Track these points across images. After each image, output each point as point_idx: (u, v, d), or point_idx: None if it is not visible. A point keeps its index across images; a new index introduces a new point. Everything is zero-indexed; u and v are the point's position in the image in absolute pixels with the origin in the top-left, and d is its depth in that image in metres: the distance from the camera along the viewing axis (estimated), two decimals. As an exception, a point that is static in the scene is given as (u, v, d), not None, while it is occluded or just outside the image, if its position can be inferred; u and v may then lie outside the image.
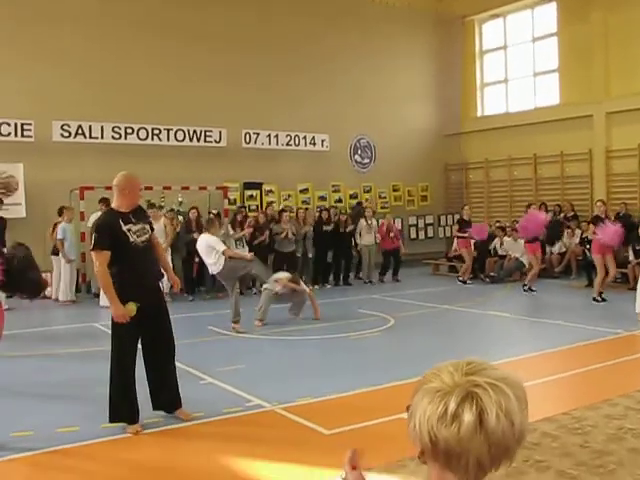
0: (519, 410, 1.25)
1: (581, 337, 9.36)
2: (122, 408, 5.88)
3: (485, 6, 20.55)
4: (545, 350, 8.71)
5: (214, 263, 10.54)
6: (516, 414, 1.24)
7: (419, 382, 1.33)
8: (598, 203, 13.45)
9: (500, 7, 20.36)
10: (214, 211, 15.24)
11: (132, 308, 5.80)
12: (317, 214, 16.55)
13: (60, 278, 13.88)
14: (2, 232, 12.35)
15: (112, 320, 5.94)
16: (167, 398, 6.19)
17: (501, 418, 1.22)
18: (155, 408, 6.17)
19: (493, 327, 11.09)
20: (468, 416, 1.22)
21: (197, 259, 14.79)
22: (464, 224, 16.16)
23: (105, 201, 14.10)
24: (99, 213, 13.91)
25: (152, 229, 6.31)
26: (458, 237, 16.39)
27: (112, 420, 5.87)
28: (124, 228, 5.87)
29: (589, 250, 13.55)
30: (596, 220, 12.87)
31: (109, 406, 5.89)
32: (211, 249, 10.51)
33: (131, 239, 5.88)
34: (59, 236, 13.65)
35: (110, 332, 6.03)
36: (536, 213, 14.53)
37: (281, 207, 16.80)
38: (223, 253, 10.37)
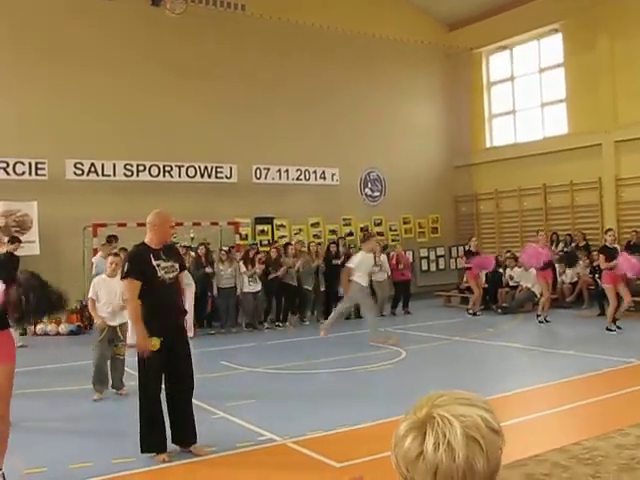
0: (465, 447, 1.27)
1: (593, 367, 9.33)
2: (150, 439, 6.04)
3: (491, 38, 20.75)
4: (556, 380, 8.69)
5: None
6: (460, 451, 1.26)
7: None
8: (609, 232, 13.33)
9: (506, 39, 20.56)
10: (225, 248, 15.36)
11: (155, 343, 5.94)
12: (326, 248, 16.64)
13: None
14: (15, 270, 12.41)
15: (138, 355, 6.11)
16: (183, 433, 6.26)
17: (440, 449, 1.26)
18: (174, 441, 6.25)
19: (505, 358, 11.06)
20: (408, 442, 1.30)
21: (209, 294, 14.93)
22: (471, 255, 16.21)
23: (113, 238, 14.25)
24: (99, 258, 14.08)
25: (183, 268, 6.52)
26: (465, 269, 16.43)
27: (143, 451, 6.03)
28: (154, 263, 6.09)
29: (599, 279, 13.51)
30: (604, 250, 12.78)
31: (139, 437, 6.04)
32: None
33: (159, 274, 6.09)
34: (94, 271, 13.69)
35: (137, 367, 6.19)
36: (533, 248, 14.45)
37: (285, 241, 16.88)
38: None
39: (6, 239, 12.28)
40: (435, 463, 1.27)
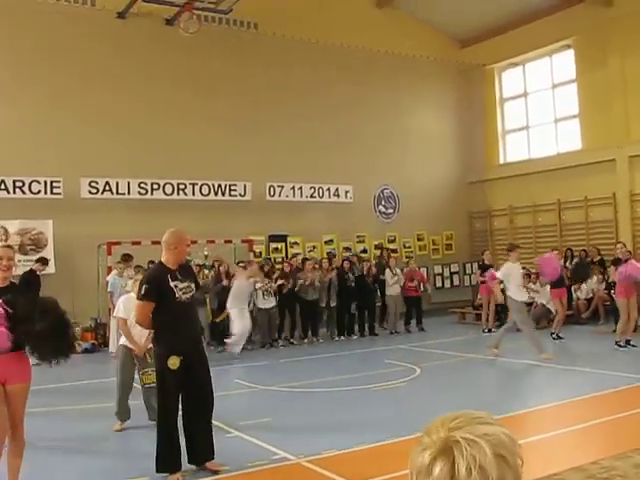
0: (497, 467, 1.25)
1: (609, 384, 9.24)
2: (167, 458, 6.02)
3: (504, 55, 20.79)
4: (572, 398, 8.62)
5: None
6: (492, 470, 1.24)
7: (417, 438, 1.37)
8: (618, 245, 13.37)
9: (519, 55, 20.59)
10: (242, 264, 15.37)
11: (175, 362, 5.97)
12: (340, 264, 16.62)
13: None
14: (36, 288, 12.66)
15: (157, 373, 6.18)
16: (201, 452, 6.26)
17: (473, 473, 1.23)
18: (190, 461, 6.24)
19: (520, 375, 11.00)
20: (438, 470, 1.25)
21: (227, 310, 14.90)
22: (486, 269, 16.15)
23: (126, 257, 14.33)
24: (113, 276, 14.12)
25: (197, 287, 6.56)
26: (481, 282, 16.37)
27: (158, 470, 6.00)
28: (171, 284, 6.11)
29: (614, 294, 13.44)
30: (617, 262, 12.80)
31: (156, 456, 6.02)
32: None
33: (177, 295, 6.12)
34: (109, 289, 13.81)
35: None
36: (549, 258, 14.25)
37: (303, 257, 16.91)
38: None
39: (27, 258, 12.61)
40: None
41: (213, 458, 6.25)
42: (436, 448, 1.27)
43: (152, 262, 14.03)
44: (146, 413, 7.90)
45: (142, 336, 7.81)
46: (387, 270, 16.65)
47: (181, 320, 6.13)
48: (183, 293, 6.16)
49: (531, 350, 12.75)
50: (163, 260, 6.31)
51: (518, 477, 1.30)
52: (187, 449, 6.22)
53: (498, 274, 12.36)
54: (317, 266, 16.00)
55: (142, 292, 6.14)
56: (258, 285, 14.66)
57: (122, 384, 7.89)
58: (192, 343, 6.25)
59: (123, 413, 7.88)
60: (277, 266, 16.46)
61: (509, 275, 12.12)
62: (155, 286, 6.12)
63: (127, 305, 7.87)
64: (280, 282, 15.01)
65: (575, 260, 17.23)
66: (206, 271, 15.16)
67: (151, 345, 7.85)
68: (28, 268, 13.69)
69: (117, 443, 7.39)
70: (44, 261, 13.66)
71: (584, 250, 17.80)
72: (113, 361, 13.35)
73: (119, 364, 8.01)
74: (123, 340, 8.02)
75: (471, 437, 1.27)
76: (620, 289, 12.48)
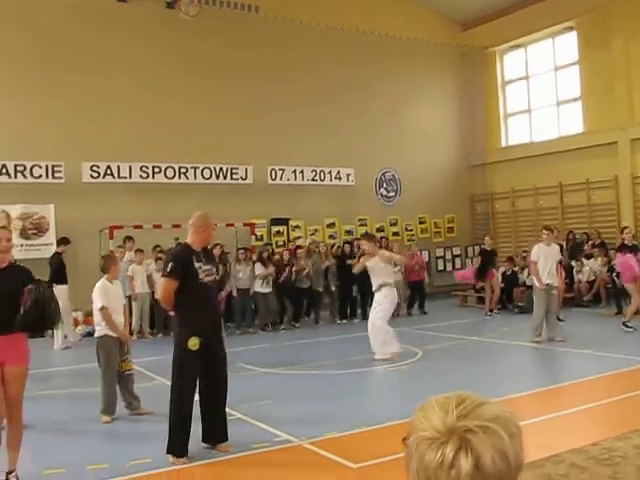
0: (512, 447, 1.26)
1: (610, 366, 9.25)
2: (180, 440, 6.04)
3: (506, 37, 20.67)
4: (573, 380, 8.65)
5: None
6: (510, 452, 1.26)
7: (412, 424, 1.34)
8: (626, 230, 13.29)
9: (521, 37, 20.48)
10: (244, 247, 15.40)
11: (196, 342, 6.04)
12: (340, 248, 16.59)
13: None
14: (63, 268, 13.27)
15: (175, 353, 6.19)
16: (218, 432, 6.33)
17: (497, 460, 1.24)
18: (205, 440, 6.31)
19: (521, 358, 11.01)
20: (464, 464, 1.24)
21: (224, 294, 14.91)
22: (486, 254, 16.15)
23: (129, 239, 14.39)
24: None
25: (218, 272, 6.69)
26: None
27: (168, 451, 6.01)
28: (195, 265, 6.17)
29: (617, 277, 13.41)
30: (622, 248, 12.74)
31: (168, 438, 6.04)
32: None
33: (200, 276, 6.17)
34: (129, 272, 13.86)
35: (172, 364, 6.23)
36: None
37: (295, 245, 16.70)
38: None
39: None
40: (495, 475, 1.23)
41: (226, 440, 6.31)
42: (454, 442, 1.25)
43: (157, 246, 14.15)
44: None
45: (121, 323, 7.77)
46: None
47: (203, 302, 6.20)
48: (206, 275, 6.23)
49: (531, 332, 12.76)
50: (189, 241, 6.38)
51: (522, 445, 1.31)
52: (203, 429, 6.29)
53: (534, 257, 11.93)
54: (316, 249, 15.98)
55: (168, 269, 6.18)
56: (257, 272, 14.70)
57: (113, 377, 7.57)
58: (212, 325, 6.33)
59: (113, 407, 7.55)
60: (279, 250, 16.47)
61: (540, 258, 11.80)
62: (181, 264, 6.17)
63: (103, 292, 7.66)
64: (270, 272, 14.97)
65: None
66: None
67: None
68: (30, 252, 13.94)
69: (121, 426, 7.41)
70: (66, 241, 13.80)
71: (585, 233, 17.82)
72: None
73: (105, 356, 7.59)
74: (104, 330, 7.64)
75: (484, 424, 1.26)
76: (627, 274, 12.44)
